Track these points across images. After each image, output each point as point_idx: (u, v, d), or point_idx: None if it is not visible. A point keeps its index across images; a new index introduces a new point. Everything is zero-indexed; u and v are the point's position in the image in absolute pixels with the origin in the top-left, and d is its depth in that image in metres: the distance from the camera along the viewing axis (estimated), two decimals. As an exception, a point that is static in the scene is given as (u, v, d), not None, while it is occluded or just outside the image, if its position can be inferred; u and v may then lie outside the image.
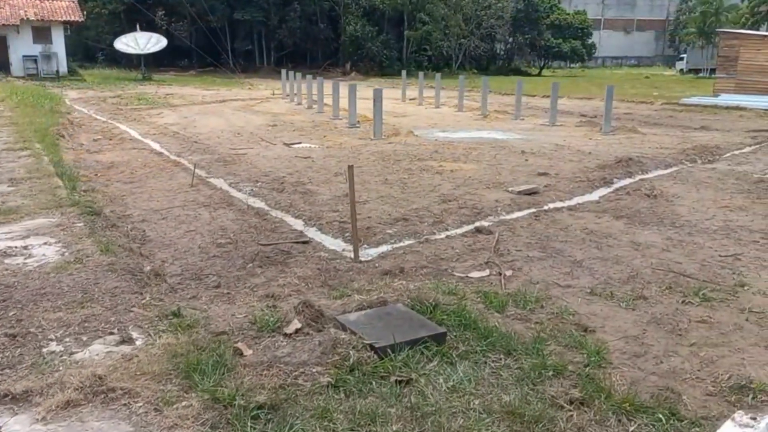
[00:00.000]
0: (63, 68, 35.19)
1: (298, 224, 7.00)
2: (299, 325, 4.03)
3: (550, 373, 3.61)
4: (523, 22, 53.82)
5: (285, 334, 3.98)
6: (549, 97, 30.62)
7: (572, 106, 25.05)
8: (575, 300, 4.83)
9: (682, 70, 53.95)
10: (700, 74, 50.12)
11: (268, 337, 4.00)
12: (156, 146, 12.66)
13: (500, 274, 5.32)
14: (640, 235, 6.62)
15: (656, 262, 5.68)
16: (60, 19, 34.65)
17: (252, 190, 8.64)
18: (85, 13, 45.57)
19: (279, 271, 5.42)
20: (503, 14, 51.15)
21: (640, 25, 68.49)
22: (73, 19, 35.19)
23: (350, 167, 5.70)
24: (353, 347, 3.73)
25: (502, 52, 56.80)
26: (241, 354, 3.75)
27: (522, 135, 15.09)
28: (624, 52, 68.12)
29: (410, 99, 26.42)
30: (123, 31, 40.18)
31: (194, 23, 50.86)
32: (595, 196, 8.68)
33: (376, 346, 3.75)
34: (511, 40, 56.30)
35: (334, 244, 6.32)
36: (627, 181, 9.45)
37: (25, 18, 33.39)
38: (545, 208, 7.89)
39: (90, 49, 48.06)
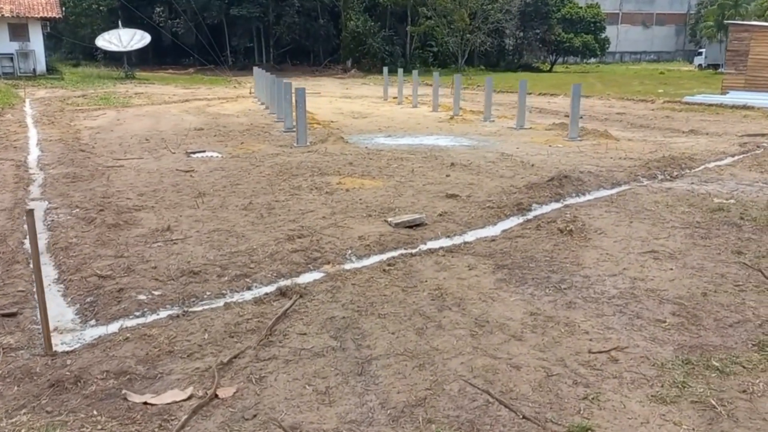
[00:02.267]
0: (41, 66, 33.86)
1: (50, 276, 5.16)
2: None
3: None
4: (533, 17, 51.31)
5: None
6: (555, 95, 28.69)
7: (565, 105, 22.87)
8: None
9: (700, 65, 50.92)
10: (720, 69, 47.14)
11: None
12: (32, 156, 10.95)
13: (211, 396, 3.38)
14: (501, 304, 4.64)
15: (481, 367, 3.69)
16: (37, 15, 33.30)
17: (54, 220, 6.82)
18: (77, 9, 44.59)
19: None
20: (510, 8, 48.73)
21: (660, 19, 65.17)
22: (50, 15, 33.82)
23: (29, 212, 3.80)
24: None
25: (512, 48, 54.32)
26: None
27: (474, 141, 13.09)
28: (643, 47, 64.89)
29: (401, 98, 24.48)
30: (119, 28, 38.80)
31: (192, 20, 49.61)
32: (497, 229, 6.70)
33: None
34: (521, 35, 53.83)
35: (59, 315, 4.46)
36: (549, 208, 7.43)
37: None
38: (416, 249, 5.95)
39: (89, 47, 46.87)
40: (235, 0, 48.37)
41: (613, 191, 8.27)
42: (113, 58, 47.03)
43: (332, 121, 16.53)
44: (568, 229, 6.45)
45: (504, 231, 6.62)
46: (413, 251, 5.89)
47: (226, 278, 5.13)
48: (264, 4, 48.86)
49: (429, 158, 10.90)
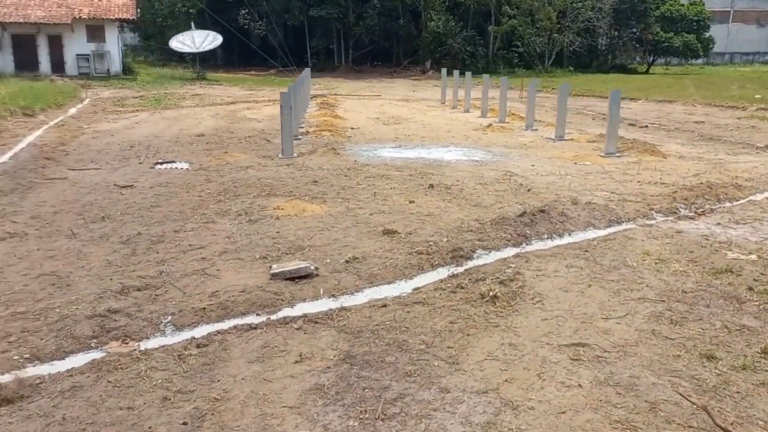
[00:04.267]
0: (116, 67, 34.67)
1: None
2: None
3: None
4: (628, 15, 47.50)
5: None
6: (635, 100, 25.79)
7: (638, 111, 20.30)
8: None
9: (824, 67, 45.26)
10: None
11: None
12: (-6, 163, 10.26)
13: None
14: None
15: None
16: (113, 17, 34.12)
17: None
18: (164, 12, 45.73)
19: None
20: (602, 6, 45.29)
21: (779, 15, 58.74)
22: (126, 16, 34.56)
23: None
24: None
25: (604, 48, 50.63)
26: None
27: (489, 155, 11.24)
28: (757, 47, 58.54)
29: (456, 101, 22.71)
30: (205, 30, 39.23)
31: (273, 21, 49.77)
32: (407, 287, 5.01)
33: None
34: (615, 34, 50.10)
35: None
36: (496, 256, 5.62)
37: (78, 17, 33.13)
38: (265, 318, 4.40)
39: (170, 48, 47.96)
40: (315, 1, 48.02)
41: (603, 233, 6.29)
42: (200, 59, 48.17)
43: (352, 128, 15.10)
44: (492, 294, 4.67)
45: (414, 290, 4.93)
46: (257, 321, 4.34)
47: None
48: (344, 5, 48.20)
49: (414, 176, 9.23)
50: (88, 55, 33.85)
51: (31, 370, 3.64)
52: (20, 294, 4.73)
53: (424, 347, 3.91)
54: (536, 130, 14.91)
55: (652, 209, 7.14)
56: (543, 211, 6.58)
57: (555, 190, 8.27)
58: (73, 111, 19.57)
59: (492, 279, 4.97)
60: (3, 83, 26.55)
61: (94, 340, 4.03)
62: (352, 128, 15.10)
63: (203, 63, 48.62)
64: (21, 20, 31.78)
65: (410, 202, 7.63)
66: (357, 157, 10.83)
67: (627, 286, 4.86)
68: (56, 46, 33.48)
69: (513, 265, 5.31)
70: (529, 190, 8.21)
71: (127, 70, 35.88)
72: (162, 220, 6.86)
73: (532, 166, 10.13)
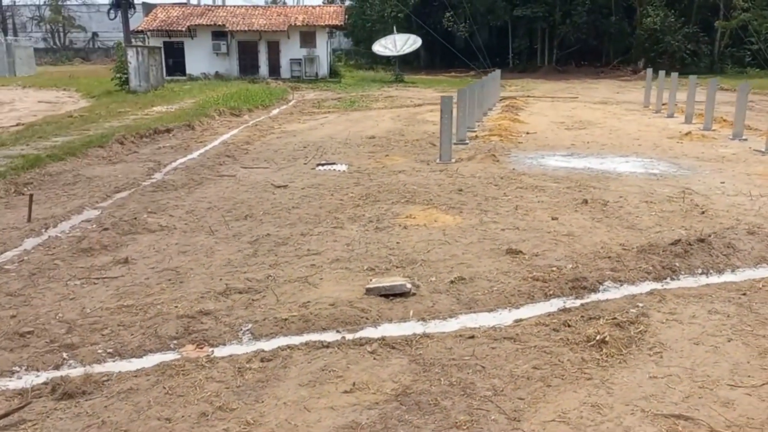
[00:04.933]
0: (323, 70, 36.97)
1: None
2: None
3: None
4: None
5: None
6: None
7: None
8: None
9: None
10: None
11: None
12: (190, 156, 11.35)
13: None
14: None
15: None
16: (324, 23, 36.42)
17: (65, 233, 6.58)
18: (374, 17, 47.84)
19: None
20: None
21: None
22: (336, 23, 36.68)
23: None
24: None
25: None
26: None
27: (673, 169, 9.93)
28: None
29: (660, 105, 20.79)
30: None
31: (477, 23, 49.65)
32: (508, 317, 4.50)
33: None
34: None
35: None
36: (626, 292, 4.82)
37: (293, 24, 35.90)
38: (340, 336, 4.23)
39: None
40: (521, 0, 46.94)
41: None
42: (401, 62, 49.73)
43: (528, 133, 14.36)
44: (600, 338, 3.99)
45: (515, 322, 4.41)
46: (332, 339, 4.16)
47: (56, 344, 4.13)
48: (551, 3, 46.50)
49: (572, 189, 8.43)
50: (300, 59, 36.48)
51: (106, 366, 3.83)
52: (137, 287, 5.08)
53: (491, 394, 3.42)
54: (745, 140, 12.94)
55: None
56: (702, 241, 5.56)
57: (737, 214, 7.00)
58: (275, 112, 21.18)
59: (608, 319, 4.26)
60: (225, 85, 29.68)
61: (174, 342, 4.15)
62: (528, 133, 14.37)
63: (406, 65, 50.10)
64: (246, 28, 35.24)
65: (553, 219, 6.94)
66: (517, 165, 10.22)
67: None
68: (273, 51, 36.59)
69: (641, 304, 4.52)
70: (703, 213, 7.05)
71: (333, 73, 38.07)
72: (296, 222, 7.00)
73: (722, 183, 8.73)
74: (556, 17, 46.89)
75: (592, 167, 10.09)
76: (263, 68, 36.50)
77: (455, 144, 12.74)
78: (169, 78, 33.79)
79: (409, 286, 4.92)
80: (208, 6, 38.27)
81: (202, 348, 4.06)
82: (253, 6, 38.17)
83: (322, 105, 23.98)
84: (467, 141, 13.01)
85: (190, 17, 35.87)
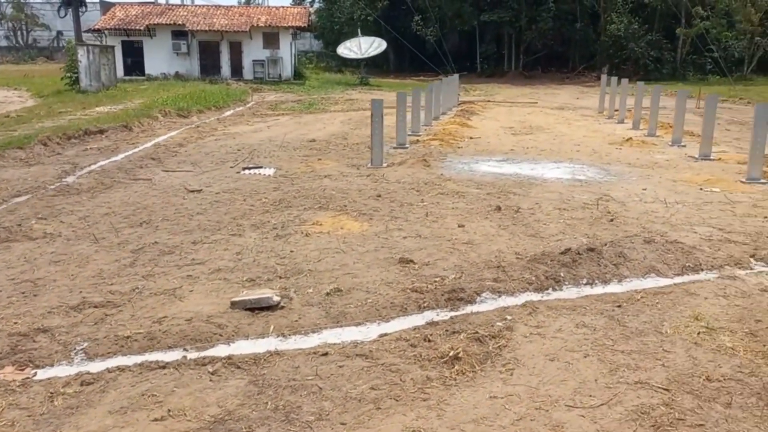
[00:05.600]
0: (287, 72, 36.57)
1: None
2: None
3: None
4: None
5: None
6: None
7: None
8: None
9: None
10: None
11: None
12: (115, 159, 10.95)
13: None
14: None
15: None
16: (287, 24, 36.03)
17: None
18: (342, 19, 47.55)
19: None
20: (820, 3, 39.04)
21: None
22: (300, 24, 36.31)
23: None
24: None
25: (821, 53, 43.56)
26: None
27: (600, 174, 9.82)
28: None
29: (612, 111, 20.81)
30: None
31: (445, 27, 49.66)
32: (374, 332, 4.25)
33: None
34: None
35: None
36: (502, 303, 4.60)
37: (255, 24, 35.46)
38: (193, 355, 3.95)
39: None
40: (488, 5, 47.03)
41: (664, 283, 4.95)
42: (372, 65, 49.51)
43: (471, 138, 14.21)
44: (454, 354, 3.76)
45: (380, 336, 4.17)
46: (172, 359, 3.88)
47: None
48: (516, 8, 46.64)
49: (492, 195, 8.24)
50: (263, 60, 36.05)
51: None
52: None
53: (313, 419, 3.17)
54: (684, 146, 12.92)
55: (754, 256, 5.57)
56: (592, 250, 5.38)
57: (646, 222, 6.86)
58: (228, 113, 20.81)
59: (470, 333, 4.04)
60: (183, 85, 29.12)
61: (-7, 362, 3.83)
62: (472, 138, 14.21)
63: (376, 68, 49.96)
64: (207, 28, 34.72)
65: (459, 226, 6.73)
66: (446, 171, 10.01)
67: (636, 362, 3.66)
68: (236, 52, 36.10)
69: (510, 317, 4.31)
70: (611, 221, 6.90)
71: (297, 75, 37.68)
72: (193, 230, 6.70)
73: (643, 190, 8.62)
74: (522, 23, 47.07)
75: (521, 173, 9.93)
76: (225, 69, 35.99)
77: (395, 148, 12.56)
78: (127, 78, 33.15)
79: (276, 298, 4.65)
80: (169, 5, 37.62)
81: (23, 370, 3.75)
82: (215, 6, 37.62)
83: (279, 107, 23.65)
84: (407, 145, 12.81)
85: (149, 16, 35.24)
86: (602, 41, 45.68)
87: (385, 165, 10.47)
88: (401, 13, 48.87)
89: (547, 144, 13.49)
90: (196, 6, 37.88)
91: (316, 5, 53.54)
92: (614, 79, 21.64)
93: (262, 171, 10.12)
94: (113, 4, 37.15)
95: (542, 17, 46.09)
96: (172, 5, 37.62)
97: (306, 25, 36.61)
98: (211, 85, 30.71)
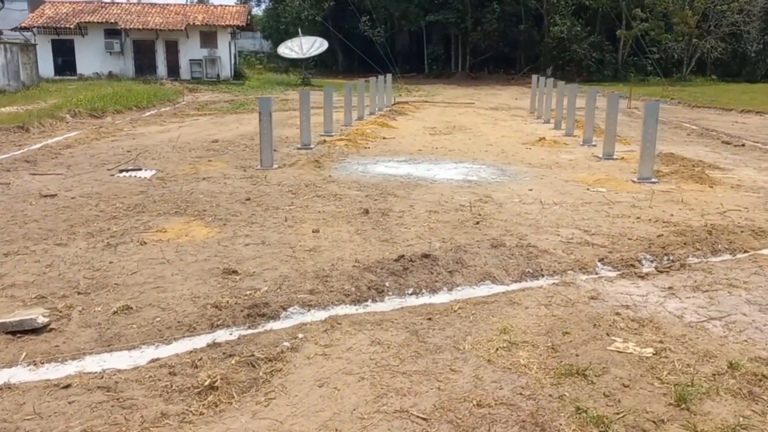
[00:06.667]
0: (226, 72, 35.74)
1: None
2: None
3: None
4: (786, 17, 41.66)
5: None
6: (763, 114, 22.10)
7: (753, 127, 17.16)
8: None
9: None
10: None
11: None
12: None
13: None
14: None
15: None
16: (225, 23, 35.20)
17: None
18: (288, 19, 46.76)
19: None
20: (751, 8, 39.98)
21: None
22: (238, 23, 35.52)
23: None
24: None
25: (754, 55, 44.71)
26: None
27: (496, 175, 9.47)
28: None
29: (541, 111, 20.66)
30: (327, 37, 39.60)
31: (392, 28, 49.42)
32: (147, 356, 3.73)
33: None
34: (769, 39, 44.17)
35: None
36: (305, 319, 4.14)
37: (192, 23, 34.53)
38: None
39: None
40: (433, 6, 46.89)
41: (496, 290, 4.55)
42: (321, 66, 48.93)
43: (384, 138, 13.79)
44: (209, 383, 3.26)
45: (149, 362, 3.64)
46: None
47: None
48: (462, 9, 46.62)
49: (370, 198, 7.79)
50: (201, 60, 35.14)
51: None
52: None
53: None
54: (594, 146, 12.72)
55: (603, 259, 5.22)
56: (427, 257, 4.95)
57: (513, 224, 6.49)
58: (149, 114, 20.00)
59: (243, 357, 3.55)
60: (112, 85, 28.02)
61: None
62: (385, 138, 13.79)
63: (325, 69, 49.43)
64: (141, 27, 33.64)
65: (313, 232, 6.25)
66: (336, 172, 9.53)
67: (411, 386, 3.21)
68: (172, 51, 35.12)
69: (302, 335, 3.83)
70: (477, 224, 6.50)
71: (237, 75, 36.88)
72: (17, 239, 6.06)
73: (529, 191, 8.28)
74: (467, 24, 47.10)
75: (414, 174, 9.51)
76: (161, 69, 34.98)
77: (299, 149, 12.04)
78: (57, 78, 31.92)
79: (42, 320, 4.07)
80: (101, 3, 36.38)
81: None
82: (150, 4, 36.48)
83: (207, 107, 22.93)
84: (312, 146, 12.30)
85: (80, 14, 33.99)
86: (546, 43, 46.00)
87: (275, 166, 9.93)
88: (349, 14, 48.33)
89: (459, 144, 13.15)
90: (130, 4, 36.71)
91: (264, 5, 52.75)
92: (542, 79, 21.58)
93: (139, 174, 9.48)
94: (42, 2, 35.75)
95: (487, 18, 46.20)
96: (105, 3, 36.39)
97: (245, 24, 35.85)
98: (144, 85, 29.70)
